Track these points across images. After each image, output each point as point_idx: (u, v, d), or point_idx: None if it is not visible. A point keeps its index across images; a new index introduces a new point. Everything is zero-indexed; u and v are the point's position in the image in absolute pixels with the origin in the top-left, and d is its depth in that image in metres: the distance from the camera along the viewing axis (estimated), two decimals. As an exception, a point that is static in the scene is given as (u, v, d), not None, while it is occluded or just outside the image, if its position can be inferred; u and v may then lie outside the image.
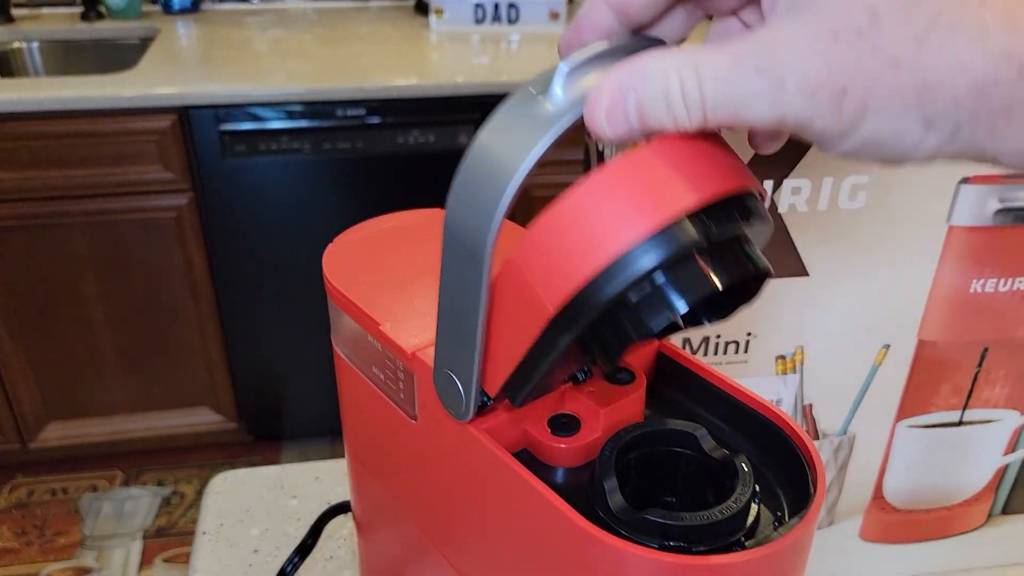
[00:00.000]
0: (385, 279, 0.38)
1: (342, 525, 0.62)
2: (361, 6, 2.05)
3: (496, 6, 1.78)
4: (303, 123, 1.54)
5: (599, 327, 0.26)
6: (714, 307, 0.29)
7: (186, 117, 1.50)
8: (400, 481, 0.40)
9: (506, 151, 0.26)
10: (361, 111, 1.55)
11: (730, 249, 0.26)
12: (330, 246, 0.41)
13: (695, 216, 0.24)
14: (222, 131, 1.51)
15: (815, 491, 0.29)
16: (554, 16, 1.77)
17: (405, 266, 0.40)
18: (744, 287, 0.27)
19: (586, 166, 0.51)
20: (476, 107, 1.58)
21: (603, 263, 0.24)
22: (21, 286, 1.59)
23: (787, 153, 0.41)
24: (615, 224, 0.24)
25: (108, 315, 1.65)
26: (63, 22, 1.86)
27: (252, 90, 1.49)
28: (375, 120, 1.56)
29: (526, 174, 0.25)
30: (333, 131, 1.56)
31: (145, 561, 1.62)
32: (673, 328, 0.29)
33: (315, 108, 1.53)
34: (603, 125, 0.25)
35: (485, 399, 0.31)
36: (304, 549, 0.52)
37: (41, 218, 1.54)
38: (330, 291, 0.39)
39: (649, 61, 0.25)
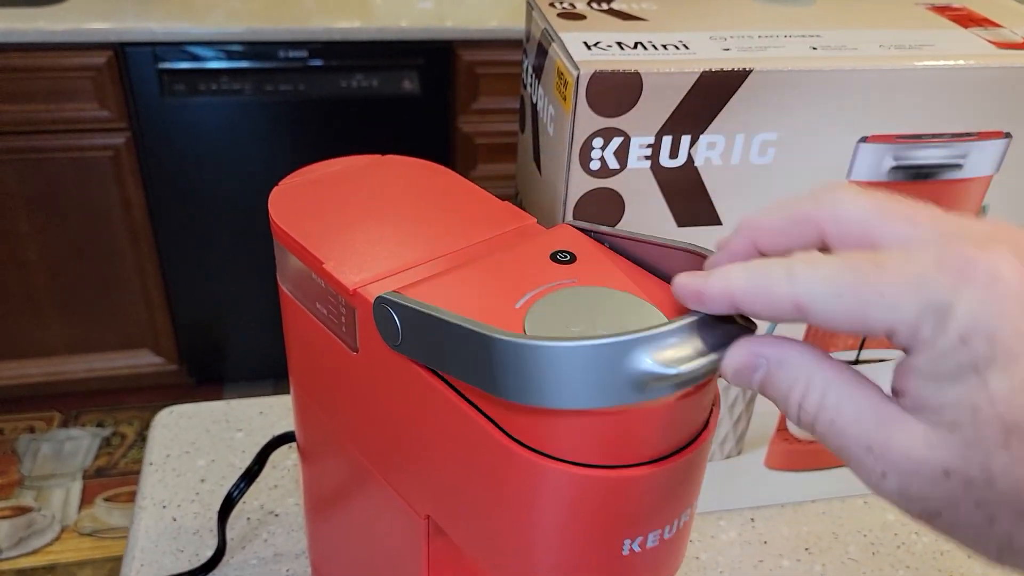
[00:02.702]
0: (329, 220, 0.41)
1: (286, 456, 0.65)
2: (304, -57, 2.00)
3: (442, -51, 1.76)
4: (244, 64, 1.52)
5: None
6: None
7: (122, 54, 1.47)
8: (342, 410, 0.43)
9: None
10: (303, 53, 1.54)
11: None
12: (276, 188, 0.43)
13: None
14: (160, 69, 1.49)
15: (710, 417, 0.33)
16: (500, -38, 1.76)
17: (348, 208, 0.42)
18: None
19: (521, 116, 0.54)
20: (420, 52, 1.58)
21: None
22: (-49, 224, 1.56)
23: (703, 110, 0.44)
24: None
25: (43, 255, 1.63)
26: (-12, -51, 1.78)
27: (191, 28, 1.46)
28: (318, 63, 1.55)
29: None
30: (275, 73, 1.54)
31: (86, 500, 1.63)
32: None
33: (256, 49, 1.51)
34: (727, 374, 0.28)
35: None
36: (250, 476, 0.55)
37: (-29, 155, 1.50)
38: (276, 231, 0.41)
39: (795, 352, 0.26)
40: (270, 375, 1.89)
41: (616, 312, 0.33)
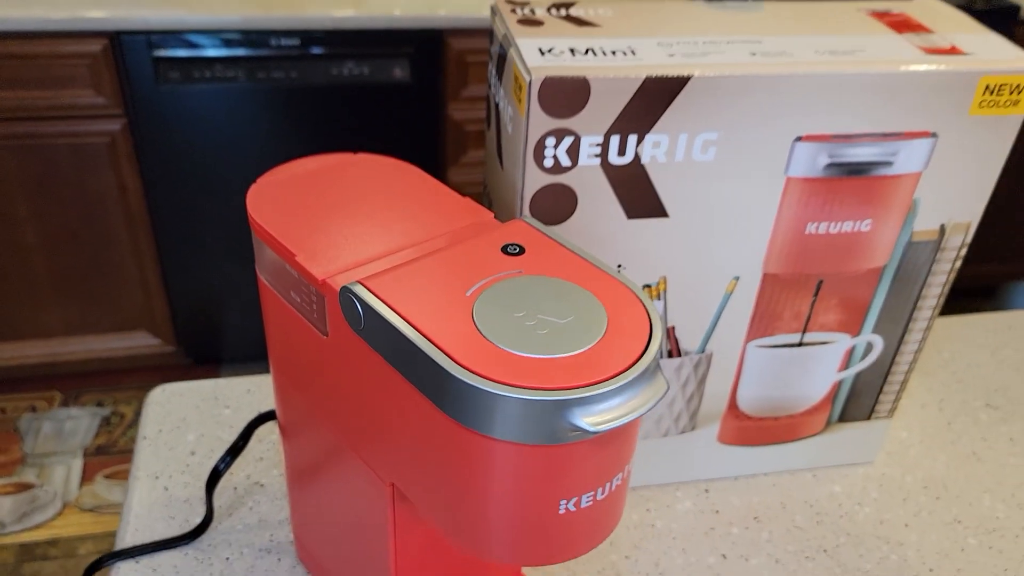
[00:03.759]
0: (302, 216, 0.45)
1: (271, 431, 0.69)
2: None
3: (432, -62, 1.78)
4: (238, 51, 1.55)
5: None
6: None
7: (118, 42, 1.50)
8: (315, 388, 0.47)
9: None
10: (296, 41, 1.57)
11: None
12: (253, 186, 0.47)
13: None
14: (155, 57, 1.52)
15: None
16: (489, -50, 1.78)
17: (320, 204, 0.46)
18: None
19: (487, 113, 0.58)
20: (412, 41, 1.61)
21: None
22: (-48, 209, 1.60)
23: (648, 111, 0.48)
24: None
25: (41, 238, 1.66)
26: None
27: (185, 16, 1.49)
28: (310, 51, 1.58)
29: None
30: (268, 60, 1.57)
31: (86, 477, 1.67)
32: None
33: (250, 36, 1.54)
34: None
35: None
36: (235, 450, 0.59)
37: (-30, 140, 1.54)
38: (253, 226, 0.45)
39: None
40: (264, 355, 1.93)
41: (556, 299, 0.37)
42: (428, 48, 1.62)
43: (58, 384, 1.88)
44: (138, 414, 1.82)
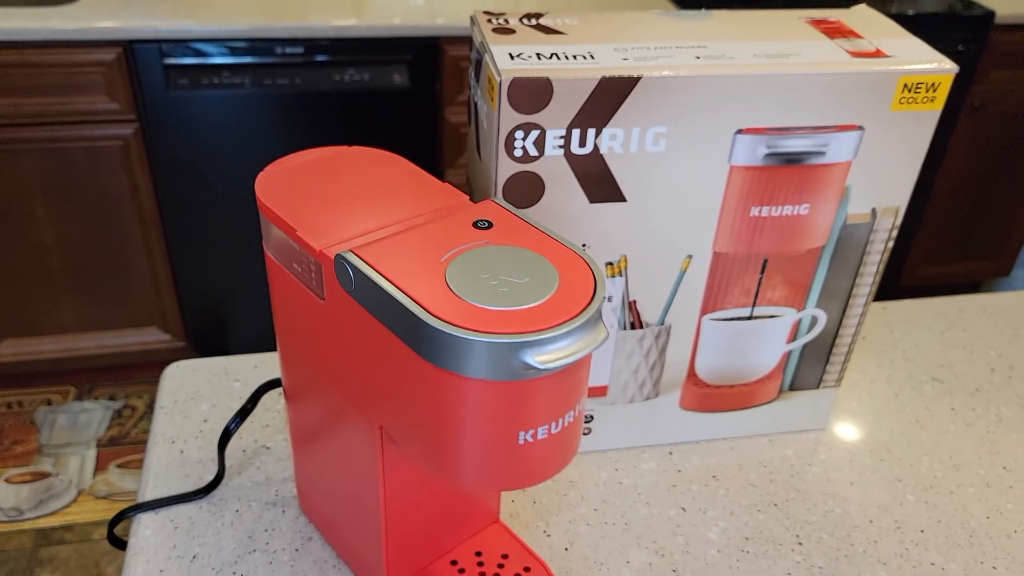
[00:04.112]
0: (302, 197, 0.52)
1: (276, 401, 0.76)
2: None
3: (430, -51, 1.86)
4: (245, 59, 1.63)
5: None
6: None
7: (130, 51, 1.57)
8: (314, 348, 0.54)
9: None
10: (300, 49, 1.64)
11: None
12: (262, 173, 0.54)
13: None
14: (166, 64, 1.59)
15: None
16: (485, -39, 1.86)
17: (318, 189, 0.53)
18: None
19: (468, 112, 0.65)
20: (410, 48, 1.68)
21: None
22: (-28, 210, 1.67)
23: (604, 108, 0.55)
24: None
25: (58, 238, 1.74)
26: (3, -50, 1.89)
27: (194, 26, 1.57)
28: (314, 58, 1.65)
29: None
30: (273, 67, 1.65)
31: (100, 467, 1.75)
32: None
33: (256, 45, 1.62)
34: None
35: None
36: (244, 412, 0.66)
37: (-10, 145, 1.62)
38: (261, 208, 0.52)
39: None
40: (271, 350, 2.00)
41: (516, 264, 0.44)
42: (425, 55, 1.70)
43: (72, 378, 1.95)
44: (149, 407, 1.89)
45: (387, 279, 0.43)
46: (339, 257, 0.45)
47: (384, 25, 1.65)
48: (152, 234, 1.77)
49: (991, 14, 1.89)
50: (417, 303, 0.41)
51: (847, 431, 0.76)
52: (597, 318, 0.42)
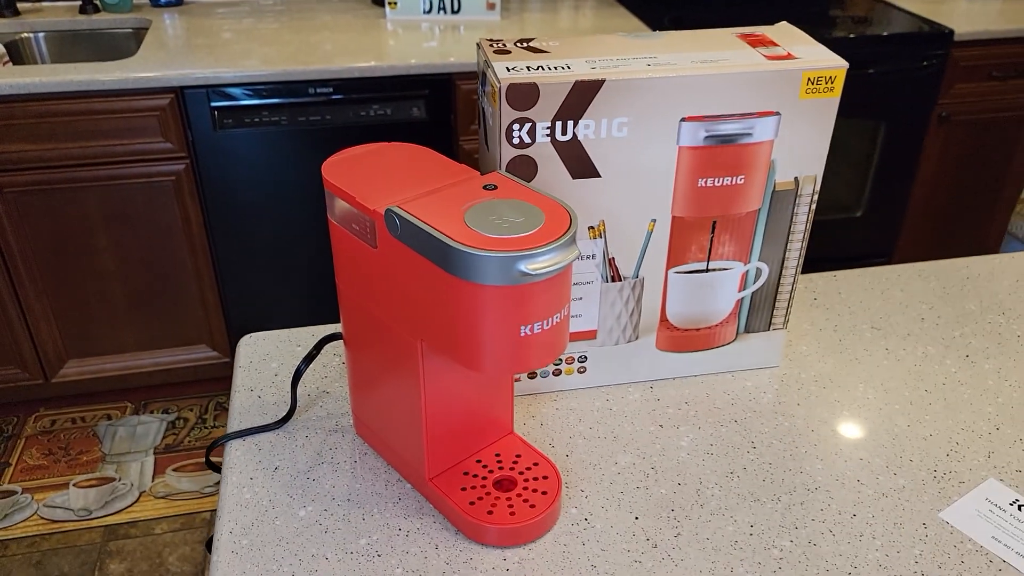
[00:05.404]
0: (358, 175, 0.70)
1: (332, 357, 0.94)
2: (325, -3, 2.34)
3: (441, -2, 2.09)
4: (280, 100, 1.84)
5: None
6: None
7: (182, 96, 1.79)
8: (368, 288, 0.72)
9: None
10: (328, 89, 1.85)
11: None
12: (326, 162, 0.73)
13: None
14: (213, 107, 1.81)
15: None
16: (491, 7, 2.08)
17: (369, 169, 0.71)
18: None
19: (478, 118, 0.83)
20: (426, 84, 1.89)
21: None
22: (43, 241, 1.88)
23: (579, 104, 0.73)
24: None
25: (118, 265, 1.94)
26: (63, 14, 2.13)
27: (237, 73, 1.79)
28: (340, 96, 1.86)
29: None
30: (305, 106, 1.86)
31: (158, 471, 1.92)
32: None
33: (290, 87, 1.83)
34: None
35: (409, 225, 0.63)
36: (310, 358, 0.84)
37: (60, 183, 1.83)
38: (327, 185, 0.71)
39: None
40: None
41: (514, 209, 0.62)
42: (440, 90, 1.90)
43: (129, 396, 2.14)
44: (200, 418, 2.07)
45: (424, 222, 0.61)
46: (388, 211, 0.64)
47: (403, 65, 1.86)
48: (201, 259, 1.97)
49: (951, 32, 2.08)
50: (445, 235, 0.59)
51: (797, 368, 0.93)
52: (572, 242, 0.60)
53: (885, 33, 2.10)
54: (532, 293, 0.60)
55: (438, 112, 1.92)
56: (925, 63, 2.12)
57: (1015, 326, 1.00)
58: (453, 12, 2.11)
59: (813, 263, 2.43)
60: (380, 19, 2.15)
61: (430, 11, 2.12)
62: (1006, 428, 0.84)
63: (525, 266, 0.58)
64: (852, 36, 2.08)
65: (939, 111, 2.19)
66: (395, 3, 2.11)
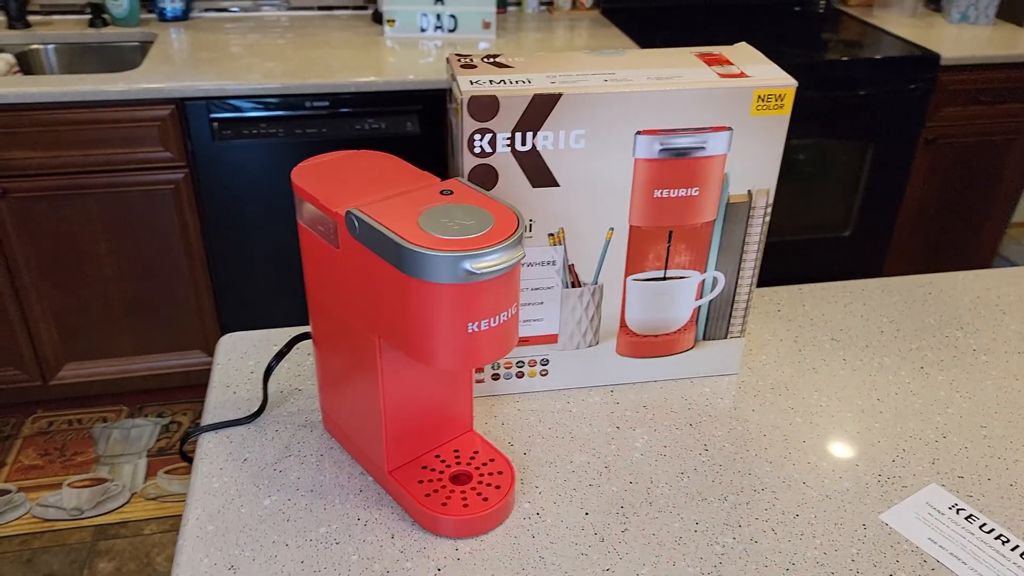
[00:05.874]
0: (324, 182, 0.74)
1: (305, 357, 0.97)
2: (326, 15, 2.40)
3: (438, 16, 2.14)
4: (279, 112, 1.89)
5: None
6: None
7: (182, 107, 1.84)
8: (331, 285, 0.75)
9: None
10: (326, 103, 1.90)
11: None
12: (295, 168, 0.77)
13: None
14: (212, 118, 1.86)
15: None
16: (486, 25, 2.13)
17: (335, 175, 0.75)
18: None
19: (447, 129, 0.87)
20: (419, 100, 1.93)
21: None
22: (45, 246, 1.93)
23: (538, 116, 0.77)
24: None
25: (117, 271, 1.99)
26: (73, 27, 2.20)
27: (236, 85, 1.84)
28: (338, 110, 1.91)
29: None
30: (303, 119, 1.91)
31: (150, 473, 1.96)
32: None
33: (288, 100, 1.88)
34: None
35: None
36: (281, 355, 0.87)
37: (63, 190, 1.88)
38: (296, 189, 0.75)
39: None
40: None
41: (465, 213, 0.66)
42: (434, 106, 1.95)
43: (124, 400, 2.18)
44: (193, 422, 2.11)
45: (380, 223, 0.65)
46: (348, 212, 0.67)
47: (399, 80, 1.90)
48: (198, 266, 2.02)
49: (938, 56, 2.12)
50: (399, 235, 0.63)
51: (755, 376, 0.96)
52: (518, 243, 0.64)
53: (875, 56, 2.14)
54: (479, 291, 0.64)
55: (430, 126, 1.97)
56: (913, 86, 2.15)
57: (972, 340, 1.03)
58: (450, 31, 2.17)
59: (800, 282, 2.46)
60: (379, 36, 2.20)
61: (427, 29, 2.17)
62: (952, 436, 0.87)
63: (471, 265, 0.61)
64: (844, 59, 2.12)
65: (926, 134, 2.22)
66: (393, 20, 2.16)
